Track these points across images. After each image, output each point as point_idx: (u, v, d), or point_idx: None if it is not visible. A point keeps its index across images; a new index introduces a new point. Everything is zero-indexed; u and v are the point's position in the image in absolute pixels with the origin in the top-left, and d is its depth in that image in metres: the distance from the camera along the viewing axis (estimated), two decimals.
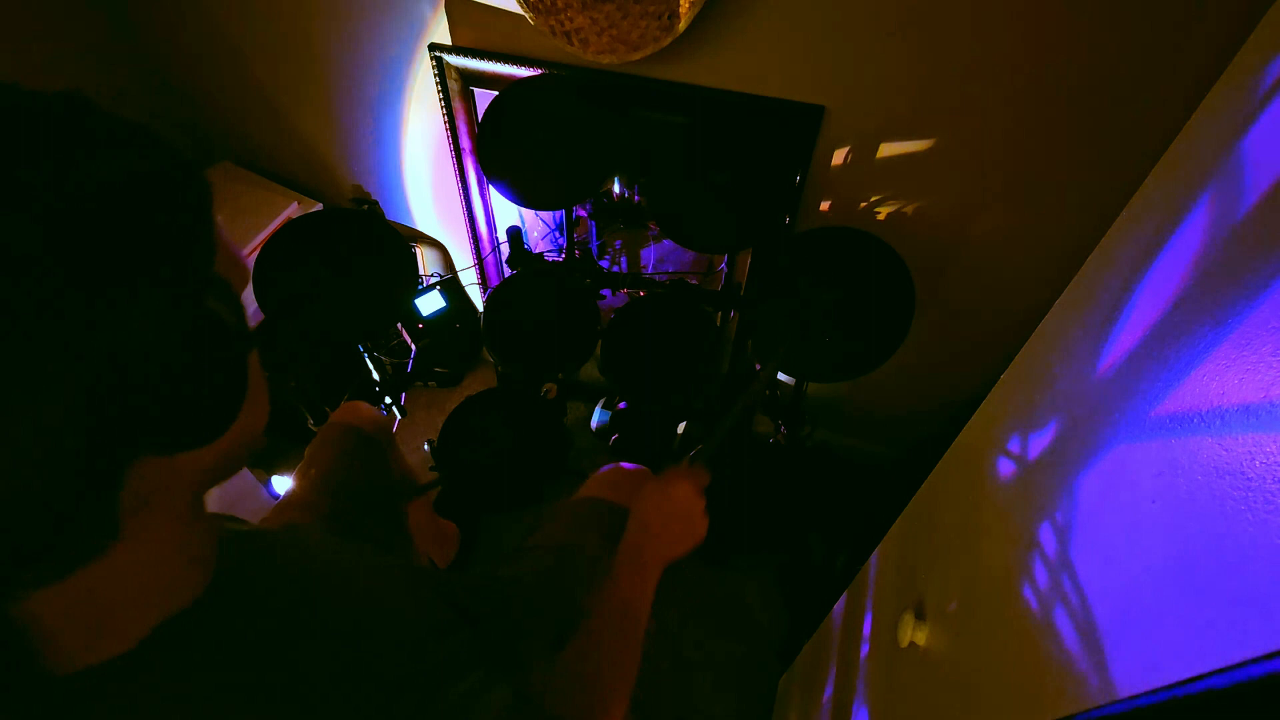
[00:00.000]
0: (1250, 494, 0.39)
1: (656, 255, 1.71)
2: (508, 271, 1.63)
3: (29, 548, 0.28)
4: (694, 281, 1.67)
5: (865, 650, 1.05)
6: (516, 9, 1.16)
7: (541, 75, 1.29)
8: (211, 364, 0.32)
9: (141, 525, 0.32)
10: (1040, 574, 0.61)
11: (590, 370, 1.76)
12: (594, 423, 1.93)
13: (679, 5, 1.05)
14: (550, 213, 1.66)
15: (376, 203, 1.81)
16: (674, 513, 0.73)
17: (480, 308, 1.91)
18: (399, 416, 1.80)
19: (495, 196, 1.66)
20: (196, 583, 0.36)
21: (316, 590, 0.42)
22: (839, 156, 1.29)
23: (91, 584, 0.31)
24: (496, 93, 1.29)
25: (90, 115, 0.31)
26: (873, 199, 1.34)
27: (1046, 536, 0.62)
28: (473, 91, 1.45)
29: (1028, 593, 0.62)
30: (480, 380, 2.23)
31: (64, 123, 0.29)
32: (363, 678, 0.39)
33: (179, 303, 0.30)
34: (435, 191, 1.75)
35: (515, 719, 0.45)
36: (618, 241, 1.70)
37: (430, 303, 1.76)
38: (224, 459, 0.36)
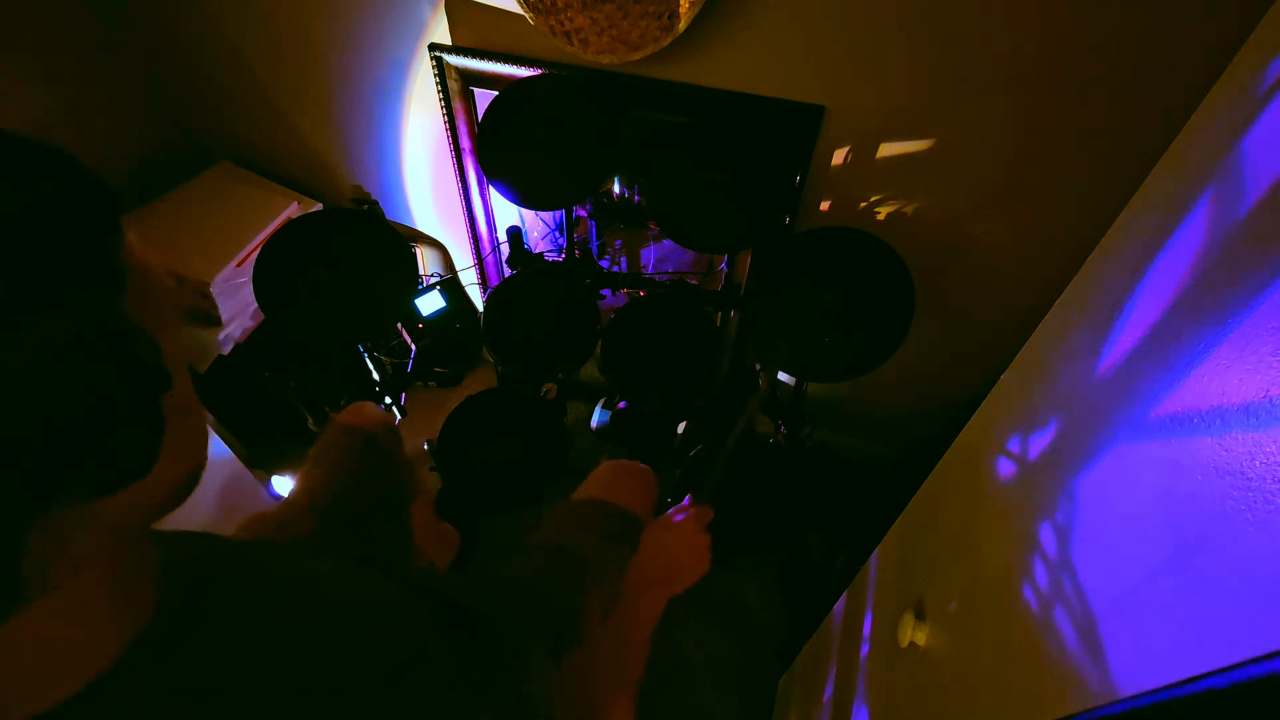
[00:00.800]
0: (1250, 494, 0.39)
1: (656, 255, 1.71)
2: (508, 271, 1.63)
3: None
4: (694, 281, 1.68)
5: (865, 650, 1.05)
6: (516, 9, 1.16)
7: (541, 75, 1.29)
8: (107, 415, 0.29)
9: (59, 578, 0.29)
10: (1040, 574, 0.61)
11: (590, 370, 1.76)
12: (594, 423, 1.93)
13: (679, 5, 1.05)
14: (550, 213, 1.66)
15: (376, 203, 1.81)
16: (679, 552, 0.77)
17: (480, 308, 1.91)
18: (399, 416, 1.80)
19: (495, 196, 1.66)
20: (130, 627, 0.34)
21: (279, 620, 0.39)
22: (839, 156, 1.29)
23: (8, 640, 0.28)
24: (496, 93, 1.29)
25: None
26: (873, 199, 1.34)
27: (1046, 536, 0.62)
28: (473, 91, 1.45)
29: (1028, 593, 0.62)
30: (480, 380, 2.22)
31: None
32: (364, 672, 0.39)
33: (50, 356, 0.27)
34: (435, 191, 1.75)
35: (511, 701, 0.44)
36: (618, 241, 1.70)
37: (430, 303, 1.76)
38: (151, 507, 0.34)
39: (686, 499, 0.86)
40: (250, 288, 1.34)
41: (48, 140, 0.30)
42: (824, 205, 1.38)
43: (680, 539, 0.78)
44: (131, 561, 0.34)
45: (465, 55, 1.32)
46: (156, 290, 0.34)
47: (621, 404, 1.90)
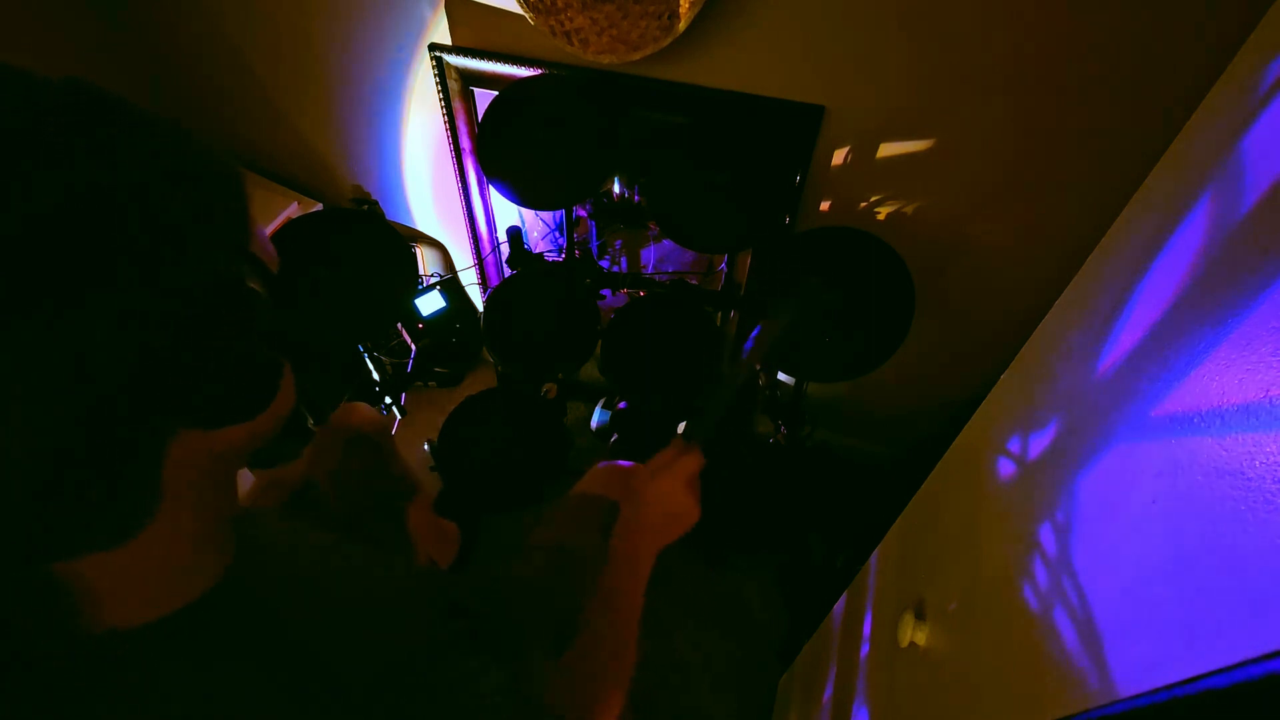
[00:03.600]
0: (1250, 494, 0.39)
1: (656, 255, 1.71)
2: (508, 271, 1.63)
3: (84, 515, 0.30)
4: (694, 281, 1.68)
5: (865, 650, 1.05)
6: (516, 9, 1.16)
7: (541, 75, 1.29)
8: (250, 341, 0.34)
9: (180, 497, 0.34)
10: (1040, 574, 0.61)
11: (590, 370, 1.76)
12: (594, 423, 1.93)
13: (679, 5, 1.05)
14: (550, 213, 1.66)
15: (376, 203, 1.81)
16: (664, 500, 0.73)
17: (480, 308, 1.91)
18: (399, 416, 1.80)
19: (495, 196, 1.66)
20: (220, 561, 0.38)
21: (279, 620, 0.41)
22: (839, 156, 1.29)
23: (135, 551, 0.33)
24: (496, 93, 1.29)
25: (103, 115, 0.31)
26: (873, 199, 1.34)
27: (1046, 536, 0.62)
28: (473, 91, 1.45)
29: (1028, 593, 0.62)
30: (480, 380, 2.22)
31: (79, 126, 0.29)
32: (365, 668, 0.39)
33: (211, 280, 0.32)
34: (435, 191, 1.75)
35: (511, 700, 0.45)
36: (618, 241, 1.70)
37: (430, 303, 1.76)
38: (257, 436, 0.38)
39: (672, 444, 0.80)
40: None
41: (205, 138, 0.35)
42: (824, 205, 1.38)
43: (671, 484, 0.74)
44: (225, 501, 0.39)
45: (465, 55, 1.32)
46: (263, 239, 0.38)
47: (621, 404, 1.90)
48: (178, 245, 0.31)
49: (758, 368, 1.57)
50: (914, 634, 0.81)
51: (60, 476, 0.28)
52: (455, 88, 1.41)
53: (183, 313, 0.30)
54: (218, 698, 0.35)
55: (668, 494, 0.74)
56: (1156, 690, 0.42)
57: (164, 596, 0.35)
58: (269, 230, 1.66)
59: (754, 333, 0.85)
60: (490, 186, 1.61)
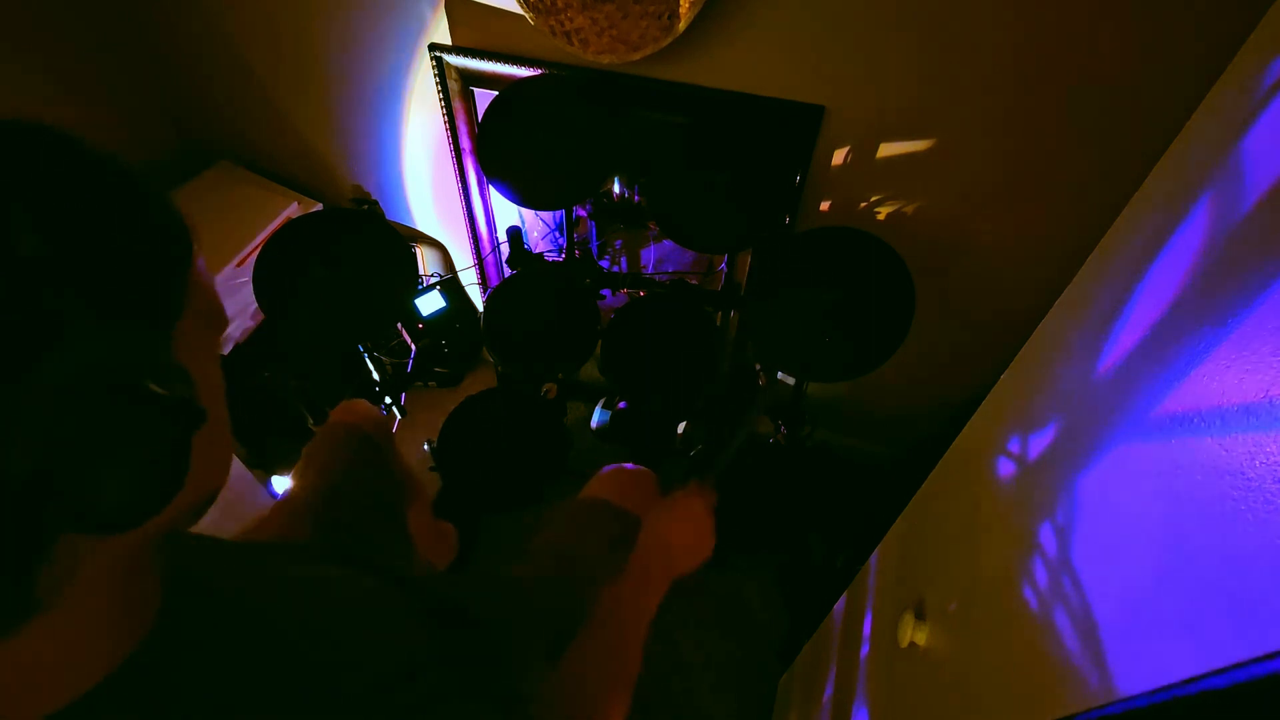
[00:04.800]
0: (1250, 494, 0.39)
1: (656, 255, 1.71)
2: (508, 271, 1.63)
3: None
4: (694, 281, 1.67)
5: (865, 650, 1.05)
6: (516, 9, 1.16)
7: (541, 75, 1.29)
8: (141, 449, 0.29)
9: (63, 596, 0.29)
10: (1040, 574, 0.61)
11: (590, 370, 1.76)
12: (594, 423, 1.93)
13: (679, 5, 1.05)
14: (550, 213, 1.66)
15: (376, 203, 1.81)
16: (685, 532, 0.77)
17: (480, 308, 1.91)
18: (399, 416, 1.80)
19: (495, 196, 1.66)
20: (132, 638, 0.34)
21: (277, 629, 0.39)
22: (839, 156, 1.29)
23: (14, 652, 0.29)
24: (496, 93, 1.29)
25: (39, 154, 0.28)
26: (873, 199, 1.34)
27: (1046, 536, 0.62)
28: (473, 91, 1.45)
29: (1028, 593, 0.62)
30: (480, 380, 2.22)
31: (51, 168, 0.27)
32: (363, 674, 0.39)
33: (99, 387, 0.27)
34: (435, 191, 1.75)
35: (514, 707, 0.44)
36: (618, 241, 1.70)
37: (430, 303, 1.76)
38: (164, 527, 0.34)
39: (690, 483, 0.85)
40: (250, 288, 1.34)
41: (129, 167, 0.30)
42: (824, 205, 1.38)
43: (685, 520, 0.78)
44: (137, 575, 0.34)
45: (465, 55, 1.32)
46: (210, 317, 0.34)
47: (621, 404, 1.90)
48: (53, 333, 0.26)
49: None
50: (914, 634, 0.81)
51: None
52: (455, 88, 1.41)
53: (56, 415, 0.26)
54: None
55: (690, 518, 0.78)
56: (1156, 690, 0.42)
57: (50, 693, 0.31)
58: (269, 230, 1.66)
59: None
60: (490, 186, 1.61)
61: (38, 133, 0.28)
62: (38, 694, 0.30)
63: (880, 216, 1.36)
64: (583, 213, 1.56)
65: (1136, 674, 0.45)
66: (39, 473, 0.25)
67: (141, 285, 0.30)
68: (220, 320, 0.35)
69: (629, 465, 1.03)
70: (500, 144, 1.30)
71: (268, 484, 1.69)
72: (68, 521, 0.27)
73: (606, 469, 1.03)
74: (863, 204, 1.35)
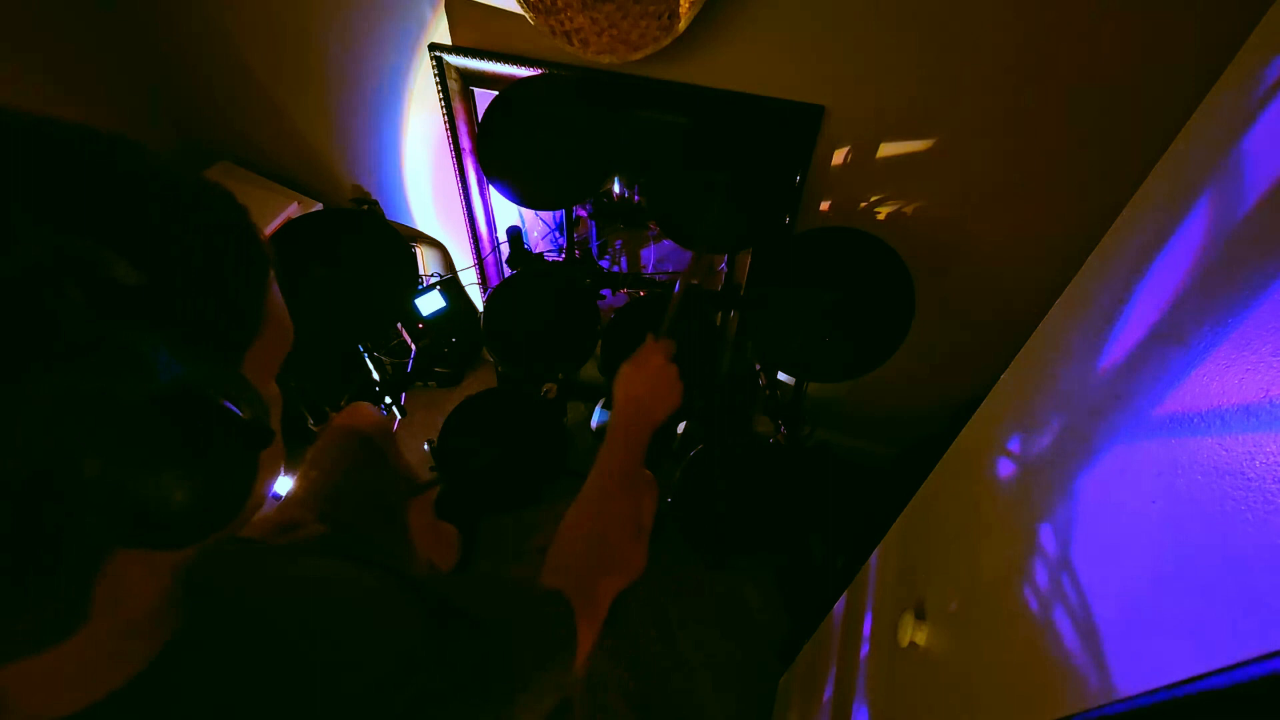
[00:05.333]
0: (1250, 494, 0.39)
1: (656, 255, 1.71)
2: (508, 271, 1.63)
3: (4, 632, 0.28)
4: (694, 281, 1.67)
5: (865, 650, 1.05)
6: (516, 9, 1.16)
7: (541, 75, 1.29)
8: (213, 465, 0.30)
9: (113, 604, 0.31)
10: (1040, 574, 0.61)
11: (590, 370, 1.76)
12: (594, 423, 1.93)
13: (679, 5, 1.05)
14: (550, 213, 1.66)
15: (376, 203, 1.81)
16: (649, 381, 0.81)
17: (480, 308, 1.91)
18: (399, 416, 1.80)
19: (495, 196, 1.66)
20: (159, 644, 0.35)
21: (278, 631, 0.40)
22: (839, 156, 1.29)
23: (50, 658, 0.30)
24: (496, 93, 1.29)
25: (141, 166, 0.30)
26: (873, 199, 1.34)
27: (1046, 536, 0.62)
28: (473, 91, 1.45)
29: (1028, 593, 0.62)
30: (480, 380, 2.22)
31: (125, 177, 0.29)
32: (363, 674, 0.39)
33: (173, 406, 0.28)
34: (435, 191, 1.75)
35: (515, 708, 0.44)
36: (618, 241, 1.70)
37: (430, 303, 1.76)
38: (214, 543, 0.35)
39: (647, 337, 0.89)
40: None
41: (228, 193, 0.33)
42: (824, 205, 1.38)
43: (645, 370, 0.82)
44: (171, 586, 0.36)
45: (465, 55, 1.32)
46: (280, 326, 0.35)
47: None
48: (139, 364, 0.27)
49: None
50: (914, 634, 0.81)
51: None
52: (455, 88, 1.41)
53: (133, 436, 0.27)
54: None
55: (651, 372, 0.82)
56: (1156, 690, 0.42)
57: (84, 690, 0.32)
58: (269, 230, 1.66)
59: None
60: (490, 186, 1.61)
61: (140, 156, 0.30)
62: (67, 695, 0.31)
63: (880, 216, 1.36)
64: (583, 213, 1.56)
65: (1136, 674, 0.45)
66: (107, 489, 0.26)
67: (226, 308, 0.31)
68: (288, 335, 0.36)
69: None
70: (500, 144, 1.30)
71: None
72: (132, 536, 0.29)
73: None
74: (863, 204, 1.35)
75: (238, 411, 0.30)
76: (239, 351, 0.33)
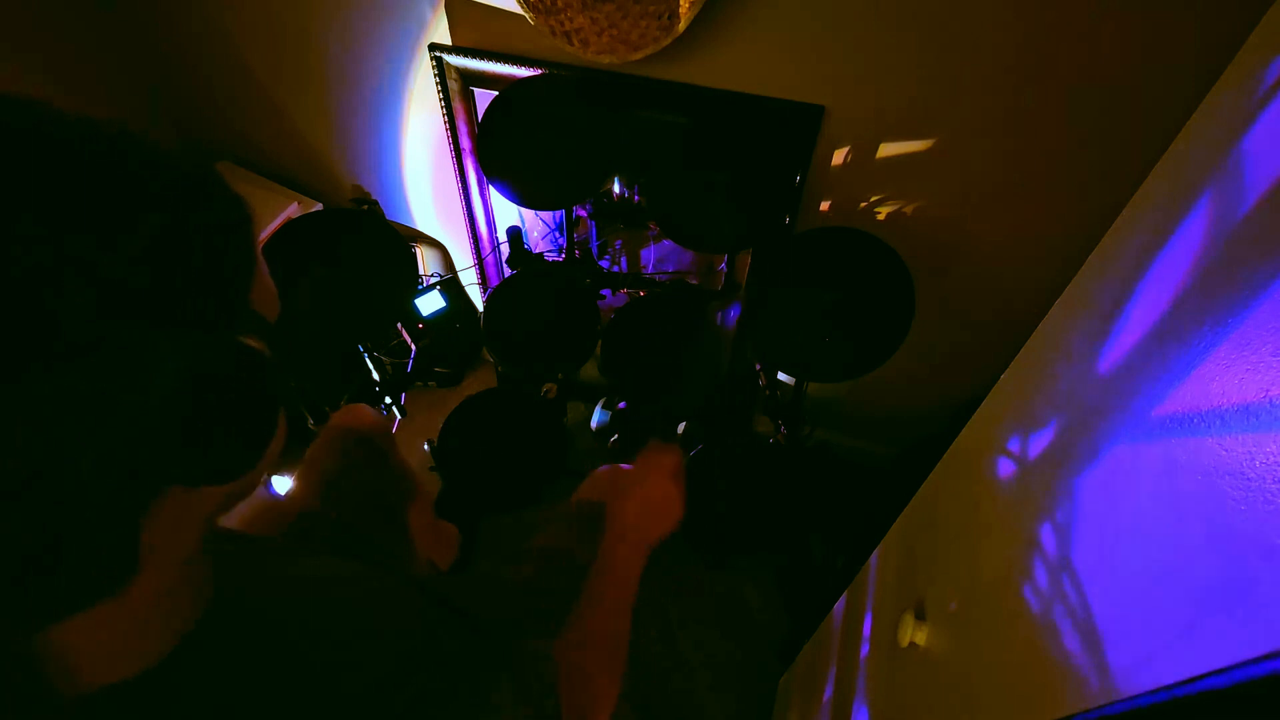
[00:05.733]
0: (1250, 494, 0.39)
1: (656, 255, 1.71)
2: (508, 271, 1.63)
3: (61, 583, 0.29)
4: (694, 281, 1.67)
5: (865, 650, 1.05)
6: (516, 9, 1.16)
7: (541, 75, 1.29)
8: (246, 401, 0.33)
9: (158, 558, 0.33)
10: (1040, 574, 0.61)
11: (590, 370, 1.76)
12: (594, 423, 1.93)
13: (679, 5, 1.05)
14: (550, 213, 1.66)
15: (376, 203, 1.81)
16: (645, 504, 0.75)
17: (480, 308, 1.91)
18: (399, 416, 1.80)
19: (495, 196, 1.66)
20: (198, 606, 0.37)
21: (280, 631, 0.41)
22: (839, 156, 1.29)
23: (110, 610, 0.31)
24: (496, 93, 1.29)
25: (143, 165, 0.30)
26: (873, 199, 1.34)
27: (1046, 536, 0.62)
28: (473, 91, 1.45)
29: (1028, 593, 0.62)
30: (480, 380, 2.22)
31: (127, 177, 0.29)
32: (364, 675, 0.39)
33: (210, 343, 0.31)
34: (435, 191, 1.75)
35: (515, 708, 0.44)
36: (618, 241, 1.70)
37: (430, 303, 1.76)
38: (240, 490, 0.38)
39: (649, 444, 0.83)
40: None
41: (219, 177, 0.34)
42: (824, 205, 1.38)
43: (645, 490, 0.76)
44: (199, 556, 0.37)
45: (465, 55, 1.32)
46: (266, 288, 0.38)
47: (621, 404, 1.90)
48: (225, 288, 0.30)
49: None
50: (914, 634, 0.81)
51: (46, 541, 0.27)
52: (455, 88, 1.41)
53: (175, 369, 0.29)
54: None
55: (648, 493, 0.76)
56: (1156, 690, 0.42)
57: (140, 651, 0.34)
58: (269, 230, 1.66)
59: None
60: (490, 186, 1.61)
61: (117, 136, 0.31)
62: (114, 658, 0.33)
63: (880, 216, 1.36)
64: (583, 213, 1.56)
65: (1137, 674, 0.45)
66: (152, 429, 0.28)
67: (225, 308, 0.33)
68: (274, 301, 0.38)
69: (624, 465, 1.03)
70: (500, 144, 1.30)
71: (268, 484, 1.69)
72: (180, 473, 0.31)
73: (600, 469, 1.03)
74: (863, 204, 1.35)
75: (258, 346, 0.33)
76: (243, 302, 0.35)
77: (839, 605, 1.26)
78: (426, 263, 1.96)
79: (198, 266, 0.30)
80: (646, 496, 0.76)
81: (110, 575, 0.30)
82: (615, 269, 1.73)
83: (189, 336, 0.29)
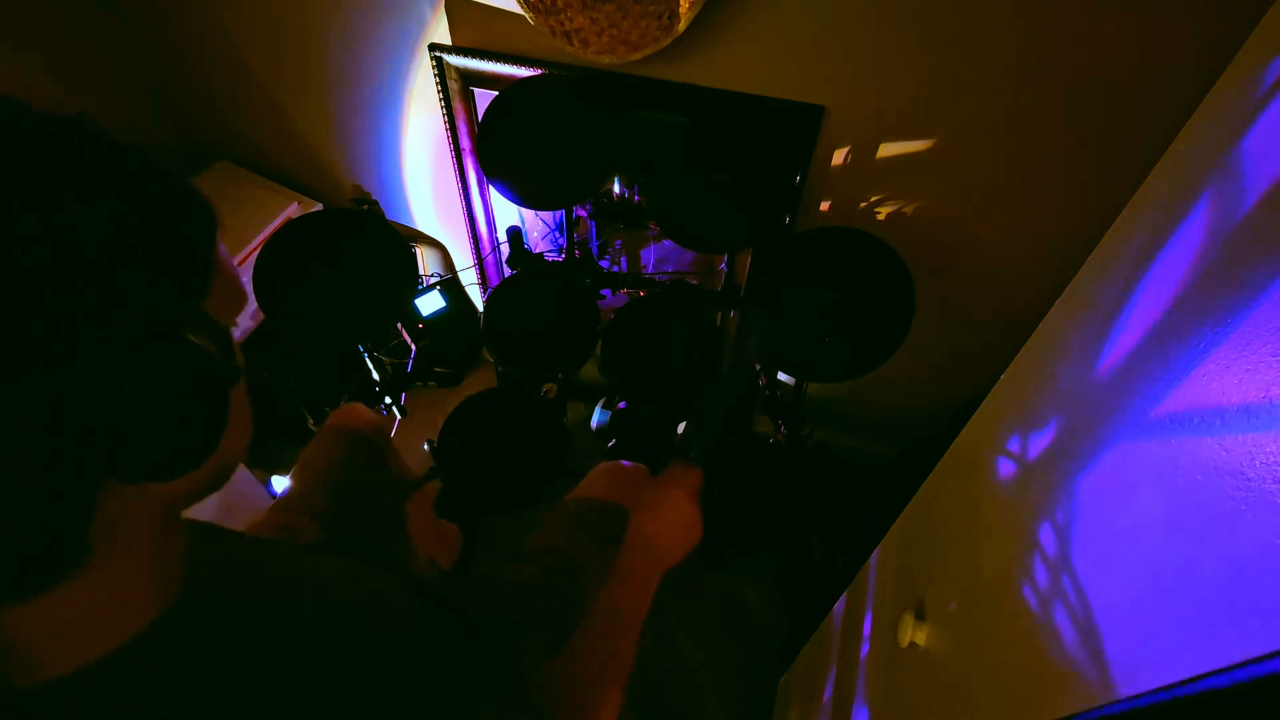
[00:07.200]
0: (1250, 494, 0.39)
1: (656, 255, 1.71)
2: (508, 271, 1.63)
3: (8, 569, 0.29)
4: (694, 281, 1.67)
5: (865, 650, 1.05)
6: (516, 9, 1.16)
7: (541, 75, 1.29)
8: (189, 399, 0.32)
9: (111, 546, 0.33)
10: (1040, 574, 0.61)
11: (590, 370, 1.76)
12: (594, 423, 1.93)
13: (679, 5, 1.05)
14: (550, 213, 1.66)
15: (376, 203, 1.81)
16: (670, 524, 0.76)
17: (480, 308, 1.91)
18: (399, 416, 1.80)
19: (495, 196, 1.66)
20: (164, 598, 0.37)
21: (278, 629, 0.40)
22: (839, 156, 1.29)
23: (59, 601, 0.31)
24: (496, 93, 1.29)
25: (85, 146, 0.30)
26: (873, 199, 1.34)
27: (1046, 536, 0.62)
28: (473, 91, 1.45)
29: (1028, 593, 0.62)
30: (480, 380, 2.22)
31: (58, 158, 0.29)
32: (363, 675, 0.39)
33: (150, 342, 0.30)
34: (435, 191, 1.75)
35: (515, 707, 0.44)
36: (618, 241, 1.70)
37: (430, 303, 1.76)
38: (199, 485, 0.37)
39: (674, 464, 0.83)
40: (250, 288, 1.34)
41: (156, 157, 0.34)
42: (824, 205, 1.38)
43: (667, 514, 0.77)
44: (169, 540, 0.38)
45: (465, 55, 1.32)
46: (229, 280, 0.37)
47: (621, 404, 1.89)
48: (118, 299, 0.29)
49: (756, 367, 1.58)
50: (914, 634, 0.81)
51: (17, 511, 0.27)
52: (455, 88, 1.41)
53: (116, 369, 0.29)
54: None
55: (673, 513, 0.76)
56: (1156, 690, 0.42)
57: (93, 641, 0.33)
58: (269, 230, 1.66)
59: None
60: (490, 186, 1.61)
61: (67, 123, 0.31)
62: (72, 645, 0.33)
63: (880, 216, 1.36)
64: (583, 213, 1.56)
65: (1136, 674, 0.45)
66: (89, 424, 0.28)
67: (178, 257, 0.33)
68: (240, 297, 0.38)
69: (624, 462, 1.03)
70: (500, 144, 1.30)
71: (268, 484, 1.69)
72: (116, 470, 0.31)
73: (600, 466, 1.03)
74: (863, 204, 1.35)
75: (201, 342, 0.32)
76: (196, 300, 0.34)
77: (839, 605, 1.26)
78: (426, 263, 1.96)
79: (154, 261, 0.30)
80: (671, 519, 0.76)
81: (60, 562, 0.31)
82: (615, 269, 1.73)
83: (137, 336, 0.29)
